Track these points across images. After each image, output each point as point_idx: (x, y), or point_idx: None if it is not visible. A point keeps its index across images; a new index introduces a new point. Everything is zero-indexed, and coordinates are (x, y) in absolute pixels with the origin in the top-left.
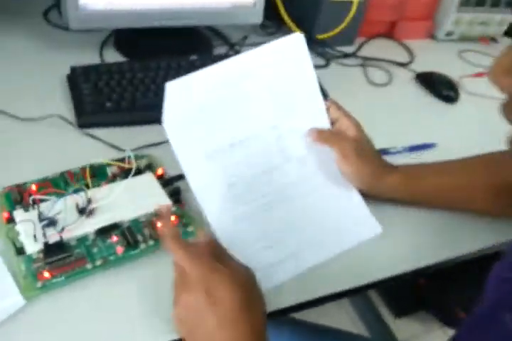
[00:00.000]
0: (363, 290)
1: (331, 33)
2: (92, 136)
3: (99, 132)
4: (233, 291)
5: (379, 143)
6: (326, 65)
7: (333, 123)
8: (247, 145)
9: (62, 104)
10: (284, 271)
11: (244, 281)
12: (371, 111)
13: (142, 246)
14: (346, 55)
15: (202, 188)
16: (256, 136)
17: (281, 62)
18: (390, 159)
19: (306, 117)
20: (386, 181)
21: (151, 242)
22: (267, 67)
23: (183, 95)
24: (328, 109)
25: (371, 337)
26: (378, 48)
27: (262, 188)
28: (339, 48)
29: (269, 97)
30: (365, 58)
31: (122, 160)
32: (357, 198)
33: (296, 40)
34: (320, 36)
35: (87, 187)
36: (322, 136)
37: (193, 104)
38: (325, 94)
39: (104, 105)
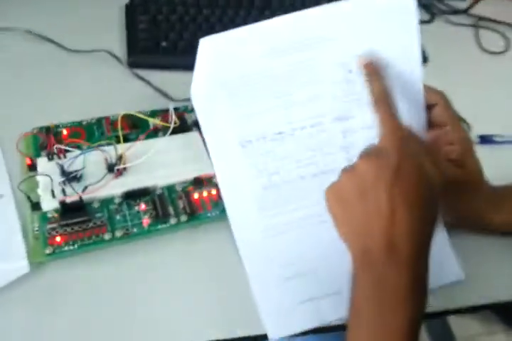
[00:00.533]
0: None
1: None
2: (141, 78)
3: (151, 75)
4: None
5: (483, 128)
6: (430, 21)
7: (433, 126)
8: (300, 136)
9: (114, 39)
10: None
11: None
12: (480, 84)
13: (172, 220)
14: (456, 12)
15: (231, 186)
16: (315, 126)
17: (375, 25)
18: (492, 150)
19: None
20: (493, 221)
21: (183, 218)
22: (352, 31)
23: (222, 58)
24: (435, 105)
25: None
26: (496, 8)
27: (308, 196)
28: (448, 1)
29: (344, 76)
30: (480, 17)
31: (167, 111)
32: (442, 236)
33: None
34: None
35: (120, 140)
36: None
37: (235, 72)
38: (424, 57)
39: (159, 44)
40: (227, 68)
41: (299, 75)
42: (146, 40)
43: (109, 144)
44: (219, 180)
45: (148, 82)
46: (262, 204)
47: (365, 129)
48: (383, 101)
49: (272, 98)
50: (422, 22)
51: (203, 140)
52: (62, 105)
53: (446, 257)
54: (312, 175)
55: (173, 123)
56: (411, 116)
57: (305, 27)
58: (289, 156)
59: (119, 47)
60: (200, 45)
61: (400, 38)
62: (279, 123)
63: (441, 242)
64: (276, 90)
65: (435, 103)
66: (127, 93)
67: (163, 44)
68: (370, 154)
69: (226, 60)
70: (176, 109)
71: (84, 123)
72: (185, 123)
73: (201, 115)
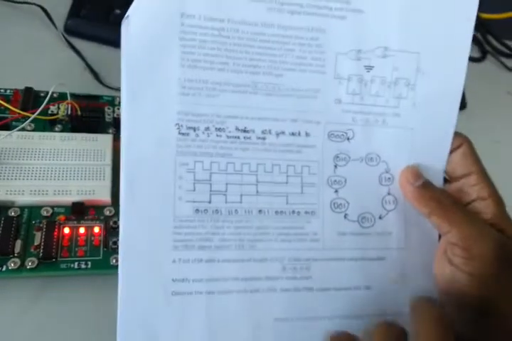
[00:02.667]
0: None
1: (500, 16)
2: (75, 49)
3: (88, 48)
4: None
5: None
6: (480, 60)
7: (454, 178)
8: (272, 145)
9: None
10: None
11: None
12: None
13: (12, 263)
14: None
15: (140, 222)
16: (298, 136)
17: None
18: None
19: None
20: None
21: (30, 262)
22: (389, 6)
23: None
24: (454, 150)
25: None
26: None
27: (269, 252)
28: (506, 41)
29: (358, 71)
30: None
31: (87, 98)
32: None
33: None
34: (485, 15)
35: None
36: (426, 196)
37: (206, 10)
38: (463, 103)
39: (111, 11)
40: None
41: (293, 51)
42: (96, 2)
43: None
44: (123, 210)
45: (82, 57)
46: (177, 242)
47: (363, 162)
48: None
49: (246, 74)
50: (470, 59)
51: (114, 148)
52: None
53: None
54: (274, 213)
55: (68, 113)
56: (432, 152)
57: None
58: (245, 173)
59: (58, 5)
60: None
61: (450, 33)
62: (247, 115)
63: None
64: (254, 63)
65: (456, 147)
66: (50, 64)
67: (117, 11)
68: None
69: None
70: (98, 98)
71: None
72: (101, 120)
73: (130, 59)
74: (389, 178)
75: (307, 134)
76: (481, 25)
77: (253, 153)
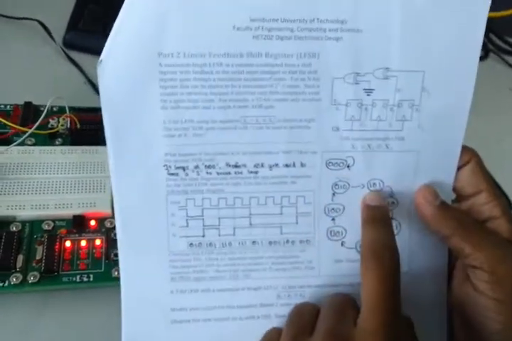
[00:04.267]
0: None
1: (502, 13)
2: (74, 63)
3: (87, 61)
4: None
5: None
6: (483, 58)
7: (463, 197)
8: (266, 178)
9: (55, 7)
10: None
11: None
12: None
13: (14, 278)
14: None
15: (136, 238)
16: (292, 167)
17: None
18: None
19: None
20: None
21: (32, 277)
22: (388, 22)
23: (172, 17)
24: (462, 166)
25: None
26: None
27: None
28: (509, 39)
29: (357, 95)
30: None
31: (85, 111)
32: None
33: None
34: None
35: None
36: (447, 216)
37: (186, 44)
38: None
39: (108, 24)
40: (175, 35)
41: (284, 80)
42: (93, 15)
43: None
44: (118, 225)
45: (81, 70)
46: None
47: (365, 188)
48: (377, 256)
49: (233, 109)
50: None
51: None
52: None
53: None
54: (268, 244)
55: (67, 126)
56: (438, 173)
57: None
58: (237, 207)
59: (57, 19)
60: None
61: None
62: (237, 151)
63: None
64: (241, 97)
65: (464, 163)
66: (49, 78)
67: None
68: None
69: (176, 19)
70: (98, 111)
71: None
72: (100, 132)
73: (109, 105)
74: (392, 203)
75: (302, 165)
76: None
77: (245, 188)
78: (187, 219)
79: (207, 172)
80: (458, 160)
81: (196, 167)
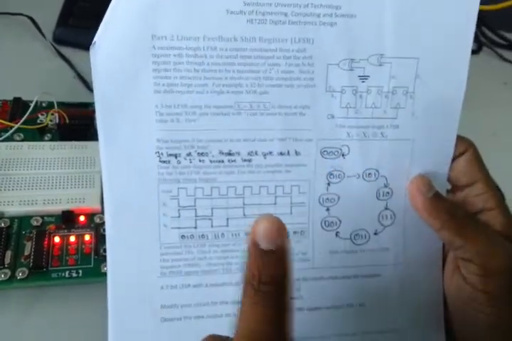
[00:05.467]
0: None
1: (495, 7)
2: (64, 58)
3: (77, 56)
4: None
5: None
6: (476, 51)
7: (458, 187)
8: (261, 166)
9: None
10: None
11: None
12: None
13: (2, 274)
14: (509, 46)
15: (126, 237)
16: (287, 155)
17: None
18: None
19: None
20: None
21: (20, 273)
22: (383, 6)
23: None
24: (458, 156)
25: None
26: None
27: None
28: (503, 32)
29: (352, 82)
30: None
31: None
32: None
33: None
34: (480, 6)
35: None
36: (439, 208)
37: (179, 28)
38: None
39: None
40: (169, 17)
41: (279, 65)
42: (83, 11)
43: None
44: (109, 240)
45: (71, 65)
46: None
47: (360, 178)
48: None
49: (227, 94)
50: None
51: None
52: None
53: None
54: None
55: (56, 122)
56: (433, 162)
57: None
58: (231, 197)
59: (47, 14)
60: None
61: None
62: (231, 138)
63: None
64: (235, 82)
65: (459, 154)
66: (39, 73)
67: None
68: None
69: (170, 1)
70: (87, 106)
71: None
72: (90, 127)
73: (101, 87)
74: (387, 193)
75: (297, 153)
76: (477, 17)
77: (239, 176)
78: (179, 209)
79: (200, 160)
80: (453, 149)
81: (189, 154)
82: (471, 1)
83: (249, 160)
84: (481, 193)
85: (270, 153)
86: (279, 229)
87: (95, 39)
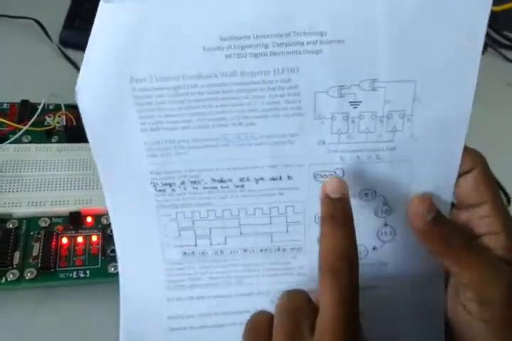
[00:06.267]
0: None
1: (500, 7)
2: (70, 60)
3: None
4: None
5: None
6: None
7: (463, 205)
8: (252, 192)
9: (51, 5)
10: None
11: None
12: None
13: (11, 275)
14: None
15: (130, 239)
16: (279, 180)
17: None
18: None
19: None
20: None
21: (29, 273)
22: (374, 30)
23: (139, 41)
24: (466, 173)
25: None
26: None
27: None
28: (506, 33)
29: (342, 108)
30: None
31: None
32: None
33: None
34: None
35: None
36: (434, 235)
37: (157, 68)
38: None
39: None
40: (145, 59)
41: (263, 97)
42: (89, 14)
43: None
44: (119, 258)
45: (78, 68)
46: (172, 282)
47: (357, 198)
48: (333, 272)
49: (213, 128)
50: None
51: None
52: None
53: None
54: (260, 251)
55: (64, 124)
56: (436, 181)
57: (289, 7)
58: (227, 218)
59: (53, 17)
60: (100, 9)
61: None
62: (221, 167)
63: None
64: (220, 116)
65: (468, 170)
66: (46, 76)
67: None
68: None
69: (145, 44)
70: None
71: None
72: None
73: (91, 131)
74: (387, 210)
75: (289, 177)
76: None
77: (233, 200)
78: (179, 230)
79: (193, 188)
80: (457, 168)
81: (182, 183)
82: (478, 19)
83: (242, 186)
84: (487, 215)
85: (262, 178)
86: (342, 184)
87: (76, 87)
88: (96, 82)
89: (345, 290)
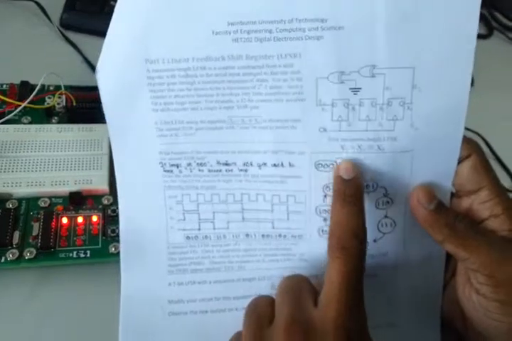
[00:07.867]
0: None
1: None
2: (71, 43)
3: (84, 41)
4: None
5: None
6: (487, 36)
7: (463, 193)
8: (255, 177)
9: None
10: None
11: None
12: None
13: (11, 254)
14: None
15: (136, 217)
16: (281, 167)
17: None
18: None
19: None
20: None
21: (28, 253)
22: (372, 17)
23: (154, 33)
24: (462, 160)
25: None
26: None
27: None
28: None
29: (344, 94)
30: None
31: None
32: None
33: None
34: None
35: None
36: (440, 222)
37: (168, 49)
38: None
39: (106, 3)
40: (159, 42)
41: (267, 81)
42: None
43: None
44: (122, 219)
45: (78, 50)
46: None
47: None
48: (343, 246)
49: (219, 109)
50: (477, 36)
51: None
52: None
53: None
54: (261, 237)
55: (64, 104)
56: (436, 171)
57: None
58: (230, 202)
59: (54, 0)
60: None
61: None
62: (227, 149)
63: None
64: (226, 98)
65: (463, 158)
66: (47, 58)
67: (112, 3)
68: (295, 324)
69: (159, 27)
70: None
71: None
72: (97, 110)
73: (109, 108)
74: (387, 202)
75: (291, 165)
76: (487, 1)
77: (236, 184)
78: (184, 213)
79: (199, 170)
80: (457, 157)
81: (189, 164)
82: (471, 6)
83: (245, 170)
84: (488, 200)
85: (264, 164)
86: (354, 166)
87: (97, 67)
88: (115, 62)
89: (353, 264)
